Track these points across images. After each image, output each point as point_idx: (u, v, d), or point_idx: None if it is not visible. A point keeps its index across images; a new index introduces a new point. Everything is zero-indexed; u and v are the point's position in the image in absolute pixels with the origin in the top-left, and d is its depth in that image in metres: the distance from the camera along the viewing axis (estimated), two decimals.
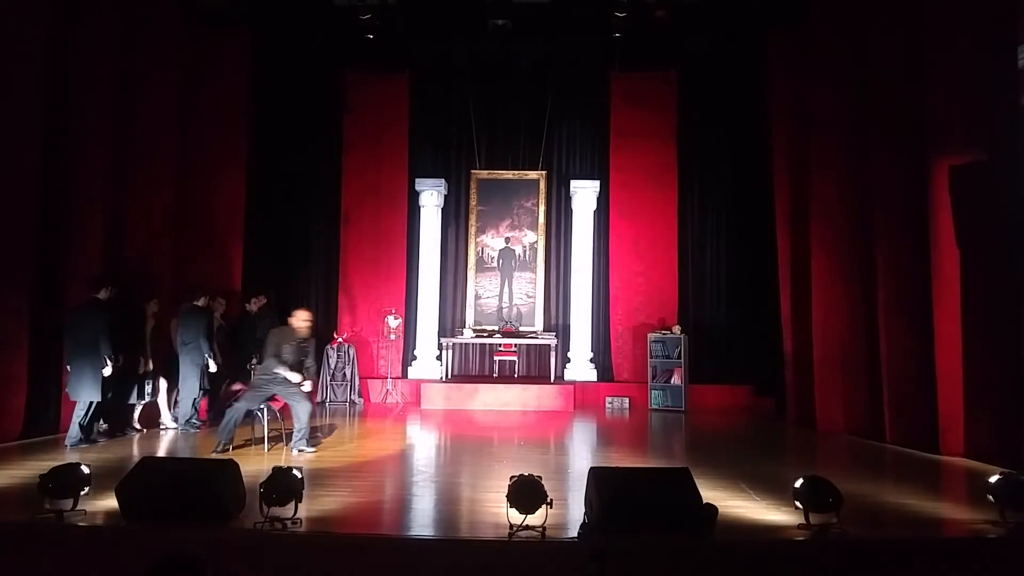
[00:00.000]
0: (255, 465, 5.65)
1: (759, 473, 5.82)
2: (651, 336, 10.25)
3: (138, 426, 7.59)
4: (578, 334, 10.87)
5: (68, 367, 6.80)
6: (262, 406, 6.62)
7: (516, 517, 4.08)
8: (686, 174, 11.07)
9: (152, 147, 8.25)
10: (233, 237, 9.44)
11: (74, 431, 6.65)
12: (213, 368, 7.68)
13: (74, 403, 6.77)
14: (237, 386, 7.65)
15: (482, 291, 11.32)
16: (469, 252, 11.43)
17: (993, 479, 4.51)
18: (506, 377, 10.81)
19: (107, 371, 6.74)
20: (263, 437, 6.73)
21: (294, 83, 10.78)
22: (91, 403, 6.75)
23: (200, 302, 7.77)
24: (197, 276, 8.68)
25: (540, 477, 4.20)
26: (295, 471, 4.33)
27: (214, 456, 6.00)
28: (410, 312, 11.17)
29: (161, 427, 7.79)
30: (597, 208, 11.09)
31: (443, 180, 11.19)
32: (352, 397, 10.18)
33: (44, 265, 7.18)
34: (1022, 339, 6.17)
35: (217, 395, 8.14)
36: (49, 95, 7.14)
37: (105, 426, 7.24)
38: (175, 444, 7.13)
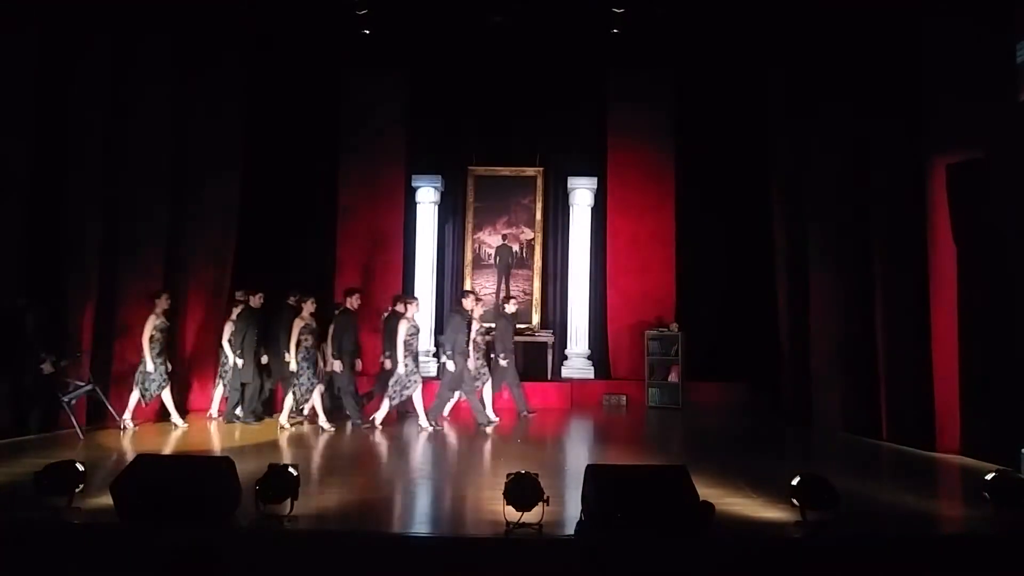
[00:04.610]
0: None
1: (756, 470, 5.82)
2: (648, 333, 10.24)
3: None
4: (575, 331, 10.86)
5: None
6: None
7: (513, 514, 4.07)
8: (684, 171, 11.04)
9: (148, 145, 8.19)
10: (228, 234, 9.39)
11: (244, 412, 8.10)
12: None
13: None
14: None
15: (479, 288, 11.29)
16: (466, 249, 11.40)
17: (989, 477, 4.53)
18: None
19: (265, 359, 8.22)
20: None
21: (291, 79, 10.71)
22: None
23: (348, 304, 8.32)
24: (193, 274, 8.64)
25: (537, 474, 4.20)
26: (291, 469, 4.33)
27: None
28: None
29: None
30: (595, 205, 11.07)
31: (440, 177, 11.16)
32: None
33: (38, 267, 7.18)
34: (1018, 337, 6.18)
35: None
36: (45, 91, 7.09)
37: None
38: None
